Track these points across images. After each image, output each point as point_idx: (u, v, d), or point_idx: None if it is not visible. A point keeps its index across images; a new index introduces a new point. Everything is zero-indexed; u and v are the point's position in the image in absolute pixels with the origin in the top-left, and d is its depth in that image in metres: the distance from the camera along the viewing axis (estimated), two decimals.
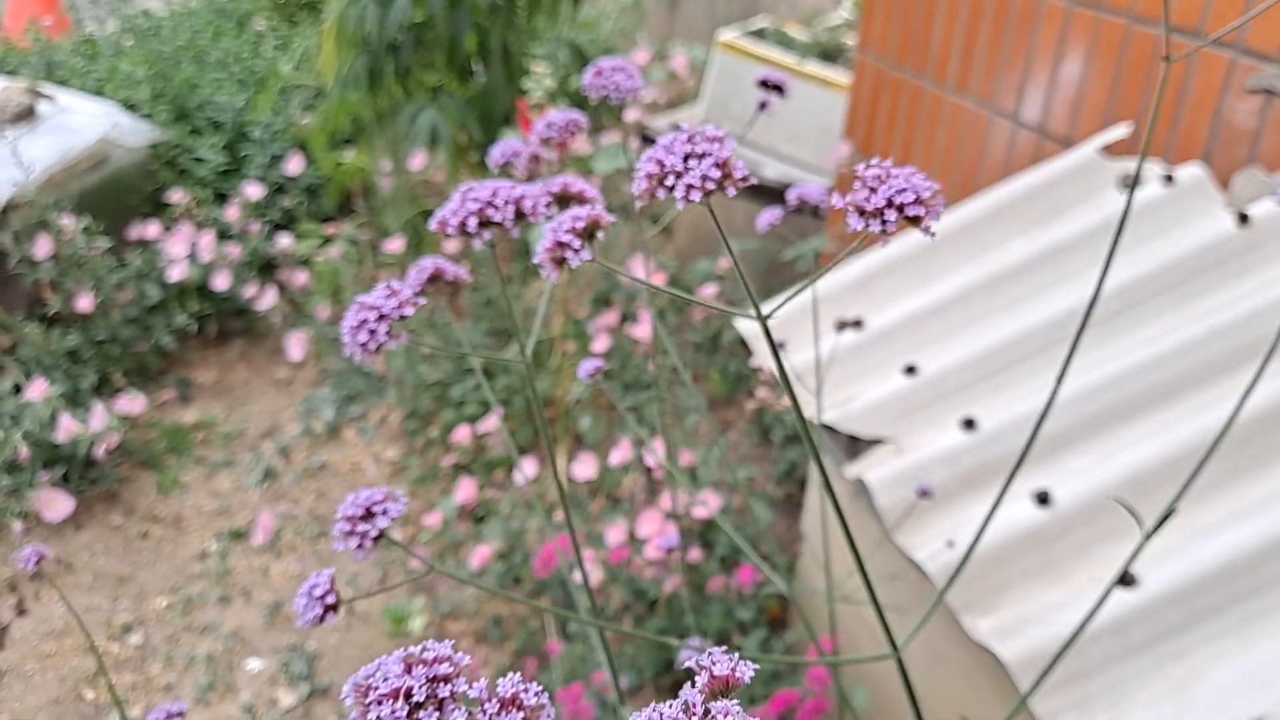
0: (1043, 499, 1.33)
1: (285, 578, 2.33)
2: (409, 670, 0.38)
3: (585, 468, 2.02)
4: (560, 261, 0.55)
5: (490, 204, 0.57)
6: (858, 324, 1.73)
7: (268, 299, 2.92)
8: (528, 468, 2.15)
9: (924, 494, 1.30)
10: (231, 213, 3.16)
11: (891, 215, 0.50)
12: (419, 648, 0.39)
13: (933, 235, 0.51)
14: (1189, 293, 1.50)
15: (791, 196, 1.11)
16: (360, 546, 0.55)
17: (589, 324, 2.55)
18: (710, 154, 0.51)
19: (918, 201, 0.51)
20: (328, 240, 3.11)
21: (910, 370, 1.60)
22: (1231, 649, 1.14)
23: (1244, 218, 1.50)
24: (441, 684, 0.37)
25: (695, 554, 1.87)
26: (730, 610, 1.90)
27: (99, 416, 2.38)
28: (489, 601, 2.20)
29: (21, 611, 2.23)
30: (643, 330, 2.25)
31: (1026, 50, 1.96)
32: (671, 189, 0.49)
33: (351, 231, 3.07)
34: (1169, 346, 1.40)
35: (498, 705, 0.37)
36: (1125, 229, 1.59)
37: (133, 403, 2.53)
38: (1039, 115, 1.96)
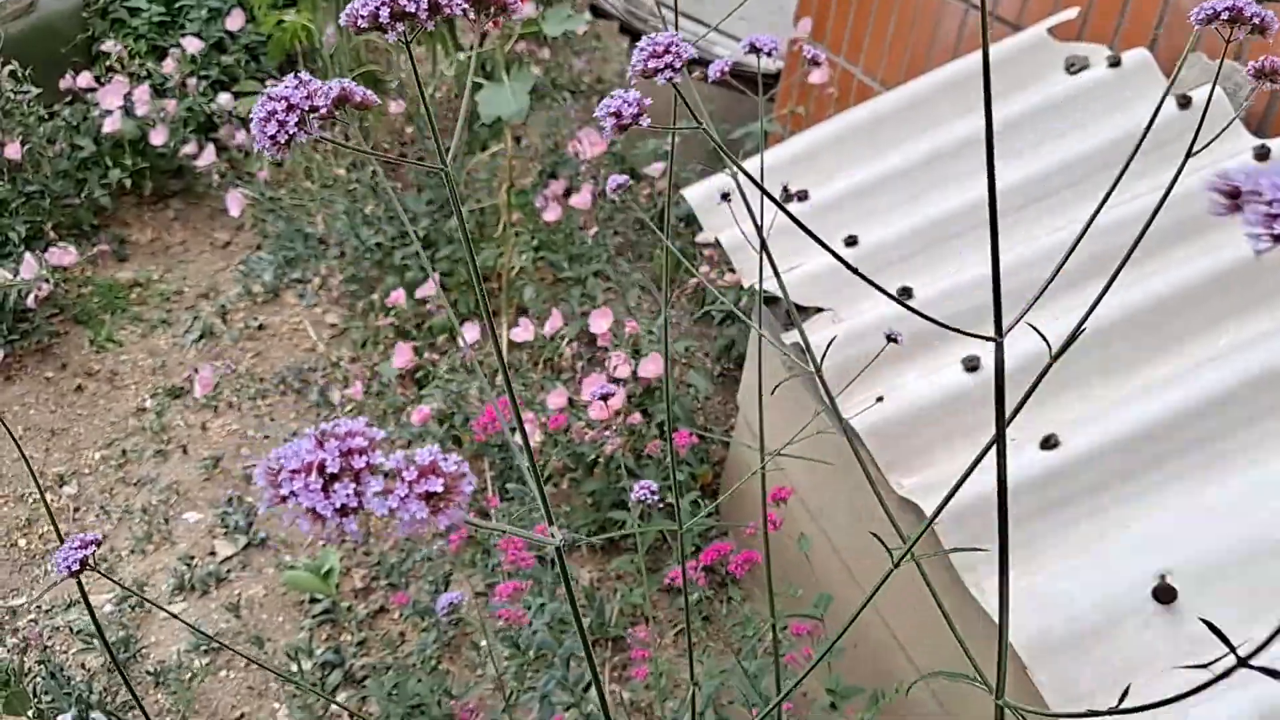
0: (971, 366, 1.37)
1: (224, 434, 2.33)
2: (321, 445, 0.35)
3: (524, 331, 2.03)
4: (625, 128, 0.57)
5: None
6: (802, 196, 1.74)
7: (206, 157, 2.84)
8: (469, 333, 2.16)
9: (892, 339, 1.30)
10: (168, 66, 3.04)
11: None
12: (330, 424, 0.37)
13: None
14: (1128, 173, 1.53)
15: (743, 46, 1.10)
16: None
17: (534, 194, 2.52)
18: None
19: None
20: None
21: (851, 241, 1.62)
22: (1142, 510, 1.20)
23: (1185, 102, 1.52)
24: (356, 456, 0.35)
25: (635, 418, 1.91)
26: (667, 474, 1.95)
27: (28, 266, 2.33)
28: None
29: None
30: (582, 200, 2.24)
31: None
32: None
33: None
34: (1105, 223, 1.43)
35: (416, 473, 0.35)
36: (1071, 111, 1.61)
37: (64, 254, 2.47)
38: None
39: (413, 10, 0.57)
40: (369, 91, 0.72)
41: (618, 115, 0.55)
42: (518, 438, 1.99)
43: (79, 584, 0.76)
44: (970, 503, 1.24)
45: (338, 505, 0.33)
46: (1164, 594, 1.09)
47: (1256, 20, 0.59)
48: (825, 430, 1.42)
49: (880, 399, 1.32)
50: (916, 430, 1.33)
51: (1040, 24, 1.78)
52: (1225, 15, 0.59)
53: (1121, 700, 0.66)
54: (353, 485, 0.34)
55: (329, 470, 0.34)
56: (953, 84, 1.75)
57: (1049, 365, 0.62)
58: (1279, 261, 1.32)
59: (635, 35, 3.04)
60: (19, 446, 0.83)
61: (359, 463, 0.35)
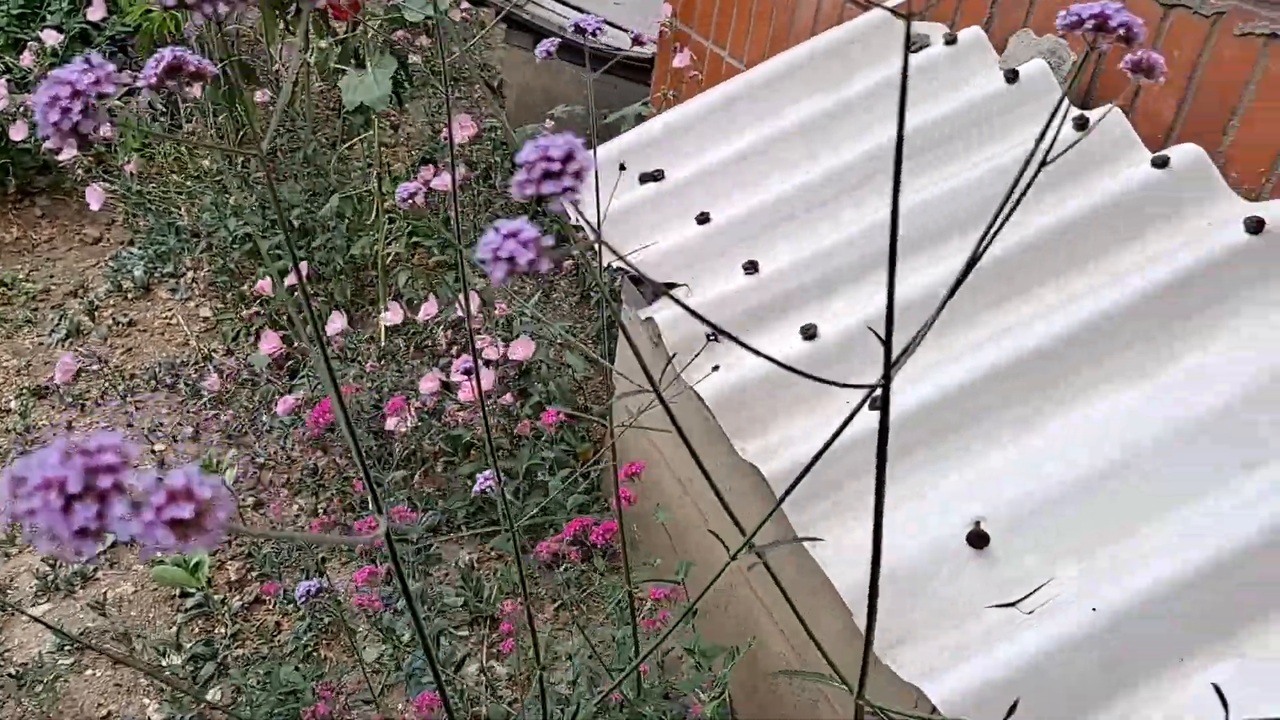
0: (809, 335, 1.43)
1: (90, 432, 2.28)
2: (66, 461, 0.33)
3: (394, 315, 2.03)
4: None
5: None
6: (658, 176, 1.78)
7: (68, 151, 2.75)
8: (338, 322, 2.15)
9: (711, 338, 1.37)
10: (27, 60, 2.94)
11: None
12: (85, 437, 0.34)
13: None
14: (959, 148, 1.61)
15: (570, 25, 1.13)
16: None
17: (409, 179, 2.51)
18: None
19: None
20: (133, 92, 2.93)
21: (703, 219, 1.67)
22: (961, 463, 1.27)
23: (1013, 76, 1.60)
24: (104, 474, 0.33)
25: (508, 398, 1.93)
26: (540, 453, 1.98)
27: None
28: (306, 451, 2.21)
29: None
30: (441, 183, 2.24)
31: None
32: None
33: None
34: (935, 195, 1.50)
35: (165, 496, 0.33)
36: (906, 87, 1.68)
37: None
38: None
39: None
40: (204, 60, 0.72)
41: (511, 261, 0.41)
42: (389, 423, 1.99)
43: None
44: (804, 462, 1.30)
45: (76, 527, 0.31)
46: (977, 539, 1.16)
47: (1122, 31, 0.57)
48: (674, 399, 1.46)
49: (716, 368, 1.37)
50: (757, 398, 1.38)
51: (886, 3, 1.85)
52: (1090, 24, 0.56)
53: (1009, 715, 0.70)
54: (96, 507, 0.32)
55: (70, 490, 0.32)
56: (801, 65, 1.81)
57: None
58: (1091, 230, 1.41)
59: (515, 22, 3.05)
60: None
61: (105, 482, 0.32)
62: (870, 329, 0.97)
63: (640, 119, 2.61)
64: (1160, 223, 1.38)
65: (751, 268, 1.54)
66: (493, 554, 2.06)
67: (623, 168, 1.72)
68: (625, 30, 2.93)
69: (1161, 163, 1.40)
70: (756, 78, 1.85)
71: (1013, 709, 0.75)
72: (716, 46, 2.45)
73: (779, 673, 0.81)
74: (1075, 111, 1.56)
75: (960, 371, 1.28)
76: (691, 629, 1.55)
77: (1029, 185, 0.58)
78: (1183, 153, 1.40)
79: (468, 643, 1.85)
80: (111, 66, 0.68)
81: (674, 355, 1.50)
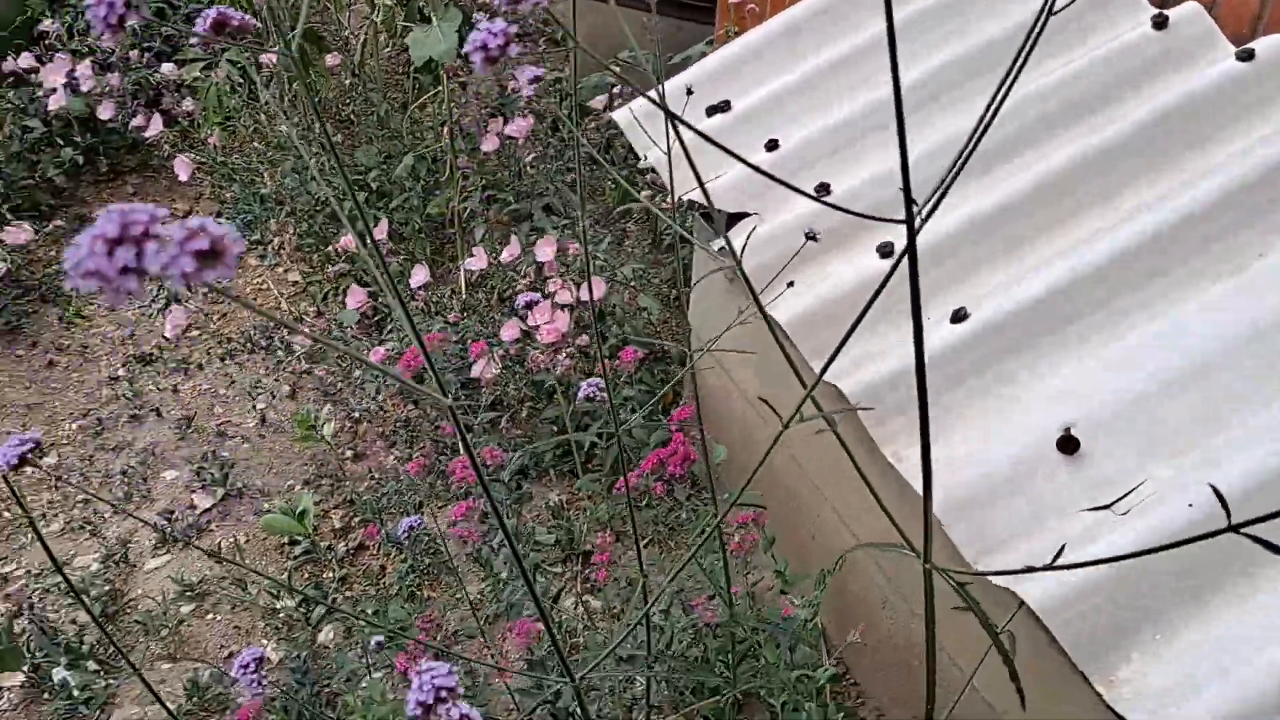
0: (885, 252, 1.43)
1: (195, 394, 2.38)
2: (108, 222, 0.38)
3: (479, 260, 2.07)
4: (494, 60, 0.57)
5: None
6: (725, 107, 1.78)
7: (154, 128, 2.86)
8: (419, 273, 2.20)
9: (811, 237, 1.34)
10: (109, 41, 3.05)
11: None
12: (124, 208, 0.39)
13: None
14: (1035, 59, 1.57)
15: None
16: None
17: (480, 138, 2.55)
18: None
19: None
20: (211, 66, 3.02)
21: (772, 146, 1.67)
22: (1047, 370, 1.26)
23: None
24: (138, 227, 0.38)
25: (584, 339, 1.96)
26: (619, 392, 2.01)
27: None
28: (397, 406, 2.28)
29: None
30: (517, 129, 2.27)
31: None
32: None
33: (235, 54, 2.98)
34: (1008, 108, 1.47)
35: (185, 233, 0.38)
36: (975, 2, 1.64)
37: (19, 233, 2.50)
38: None
39: None
40: (246, 15, 0.76)
41: (484, 48, 0.54)
42: (475, 369, 2.04)
43: (47, 550, 0.81)
44: (888, 378, 1.30)
45: (119, 266, 0.37)
46: (1068, 444, 1.15)
47: None
48: (743, 320, 1.47)
49: (790, 284, 1.37)
50: (835, 317, 1.39)
51: None
52: None
53: (1056, 559, 0.72)
54: (133, 250, 0.37)
55: (110, 237, 0.38)
56: None
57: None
58: (1175, 129, 1.37)
59: None
60: None
61: (138, 230, 0.38)
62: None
63: (703, 58, 2.60)
64: (1248, 116, 1.34)
65: (824, 189, 1.54)
66: (580, 494, 2.11)
67: (689, 92, 1.72)
68: None
69: (1246, 55, 1.35)
70: (818, 3, 1.82)
71: None
72: None
73: (857, 547, 0.83)
74: (1152, 11, 1.51)
75: (1047, 278, 1.27)
76: (772, 557, 1.57)
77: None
78: (1268, 45, 1.35)
79: (561, 578, 1.90)
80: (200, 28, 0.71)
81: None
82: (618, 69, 2.17)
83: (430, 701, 0.50)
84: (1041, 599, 1.03)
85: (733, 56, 1.84)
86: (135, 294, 0.38)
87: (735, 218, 1.63)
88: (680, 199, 1.78)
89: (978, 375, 1.27)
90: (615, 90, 2.84)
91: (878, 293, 0.72)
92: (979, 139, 0.71)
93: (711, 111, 1.79)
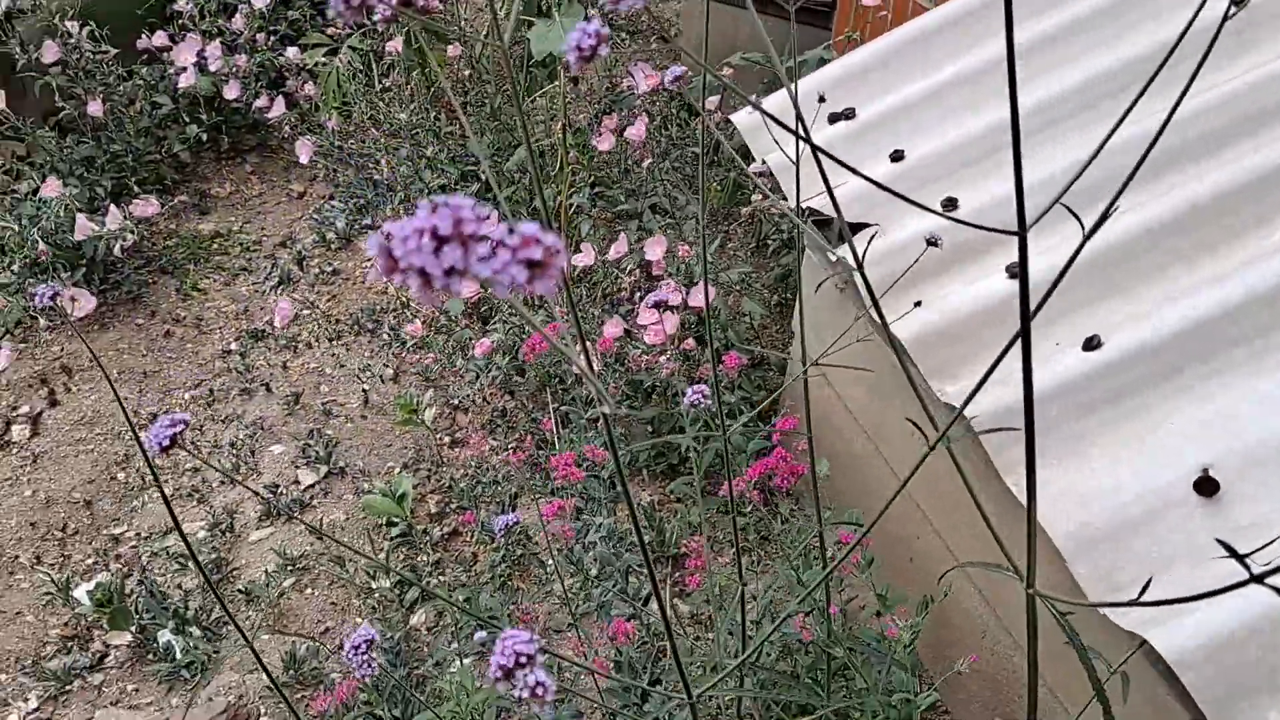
0: (1015, 273, 1.38)
1: (303, 371, 2.44)
2: (434, 213, 0.36)
3: (585, 256, 2.08)
4: (589, 58, 0.57)
5: None
6: (849, 115, 1.74)
7: (276, 109, 2.93)
8: None
9: (932, 243, 1.30)
10: (238, 22, 3.14)
11: None
12: (441, 199, 0.38)
13: None
14: (1181, 73, 1.50)
15: None
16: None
17: (590, 133, 2.56)
18: None
19: None
20: (334, 51, 3.09)
21: (898, 156, 1.63)
22: (1186, 405, 1.20)
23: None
24: (465, 225, 0.36)
25: (690, 343, 1.95)
26: (721, 397, 1.99)
27: (113, 217, 2.45)
28: (496, 396, 2.30)
29: (53, 403, 2.36)
30: (636, 132, 2.27)
31: None
32: None
33: (356, 41, 3.04)
34: (1155, 125, 1.41)
35: (519, 240, 0.36)
36: (1127, 10, 1.58)
37: (146, 206, 2.59)
38: None
39: None
40: None
41: (578, 48, 0.53)
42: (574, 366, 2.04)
43: (172, 514, 0.83)
44: (1012, 405, 1.26)
45: (446, 266, 0.35)
46: (1206, 486, 1.10)
47: None
48: (866, 337, 1.44)
49: (918, 304, 1.34)
50: (959, 337, 1.35)
51: None
52: None
53: (1142, 593, 0.69)
54: (460, 249, 0.35)
55: (441, 234, 0.35)
56: None
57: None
58: None
59: None
60: (114, 388, 0.90)
61: (470, 229, 0.36)
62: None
63: (822, 63, 2.56)
64: None
65: (950, 204, 1.50)
66: (672, 497, 2.10)
67: (835, 113, 1.70)
68: None
69: None
70: (952, 11, 1.78)
71: None
72: None
73: (963, 565, 0.80)
74: None
75: (1192, 307, 1.21)
76: (870, 581, 1.54)
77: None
78: None
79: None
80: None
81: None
82: (729, 71, 2.14)
83: (510, 665, 0.51)
84: (1172, 646, 0.99)
85: (858, 64, 1.81)
86: (454, 295, 0.37)
87: (854, 228, 1.60)
88: (801, 205, 1.76)
89: (1111, 405, 1.22)
90: (725, 92, 2.82)
91: (1037, 310, 0.69)
92: (1146, 152, 0.67)
93: (834, 119, 1.76)
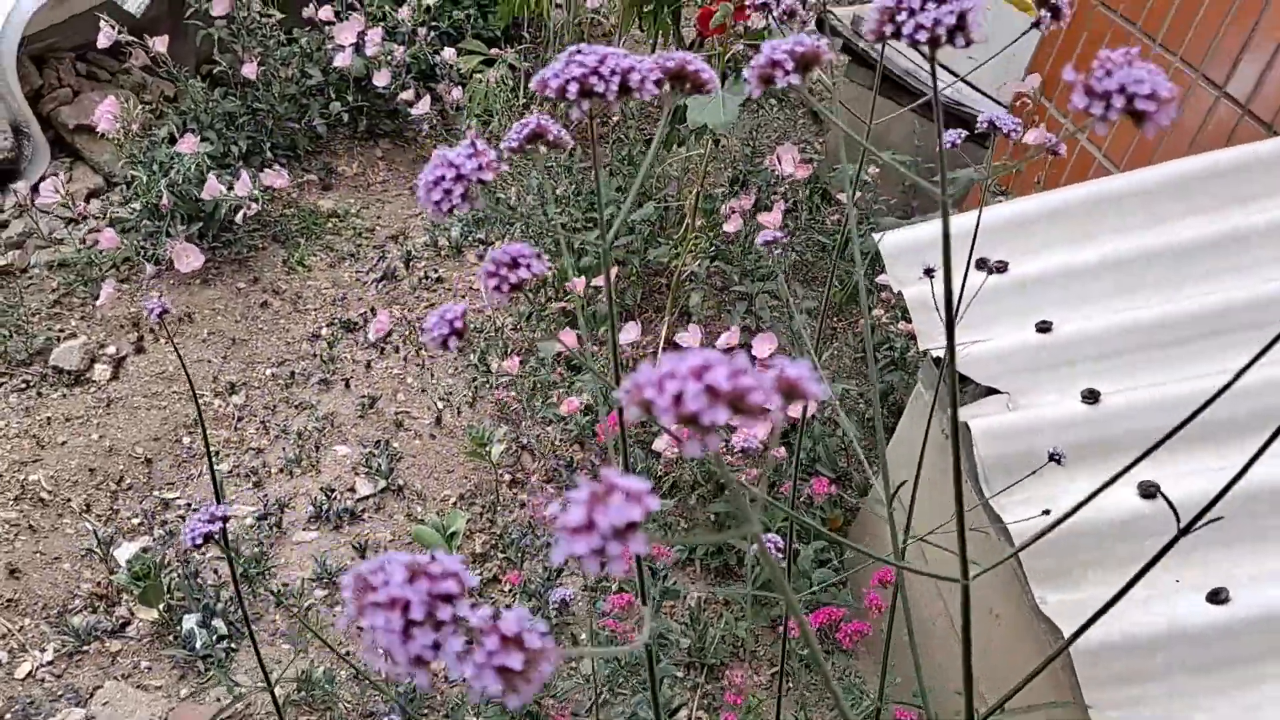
0: (1148, 493, 1.28)
1: (385, 375, 2.42)
2: (412, 580, 0.34)
3: (691, 338, 2.02)
4: (769, 80, 0.53)
5: (595, 72, 0.51)
6: (1001, 268, 1.66)
7: (422, 106, 2.94)
8: (630, 331, 2.16)
9: (1057, 458, 1.25)
10: (404, 13, 3.16)
11: (1119, 101, 0.45)
12: (427, 556, 0.36)
13: (1154, 126, 0.46)
14: None
15: (983, 120, 1.04)
16: (499, 289, 0.54)
17: (722, 201, 2.50)
18: (803, 49, 0.49)
19: (1151, 97, 0.46)
20: (489, 62, 3.09)
21: (1044, 327, 1.54)
22: None
23: None
24: (443, 603, 0.34)
25: (778, 452, 1.88)
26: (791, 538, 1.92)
27: (244, 184, 2.46)
28: (567, 445, 2.25)
29: (140, 349, 2.38)
30: (771, 219, 2.21)
31: (1253, 19, 1.80)
32: (900, 27, 0.46)
33: (513, 58, 3.04)
34: None
35: (498, 641, 0.33)
36: None
37: (276, 177, 2.61)
38: (1248, 91, 1.81)
39: (601, 90, 0.54)
40: (563, 131, 0.69)
41: (772, 63, 0.49)
42: (657, 444, 1.98)
43: (218, 494, 0.80)
44: (1120, 637, 1.17)
45: (413, 654, 0.32)
46: None
47: None
48: (977, 528, 1.35)
49: (1047, 512, 1.25)
50: (1074, 548, 1.25)
51: None
52: None
53: None
54: (433, 636, 0.33)
55: (412, 614, 0.33)
56: (1189, 180, 1.63)
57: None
58: None
59: (856, 56, 2.97)
60: (184, 365, 0.86)
61: (444, 613, 0.34)
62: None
63: (972, 183, 2.48)
64: None
65: (1091, 397, 1.40)
66: (721, 598, 2.02)
67: (986, 264, 1.62)
68: (978, 89, 2.78)
69: None
70: (1131, 184, 1.68)
71: None
72: (1075, 127, 2.28)
73: None
74: None
75: None
76: None
77: None
78: None
79: (684, 686, 1.82)
80: (492, 154, 0.65)
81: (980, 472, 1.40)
82: (875, 170, 2.06)
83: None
84: None
85: (1022, 213, 1.72)
86: (420, 684, 0.33)
87: (985, 389, 1.51)
88: (929, 352, 1.68)
89: (1230, 669, 1.11)
90: (866, 183, 2.75)
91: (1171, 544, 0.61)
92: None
93: (983, 266, 1.68)
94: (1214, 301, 1.45)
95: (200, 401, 2.27)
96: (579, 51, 0.53)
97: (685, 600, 1.96)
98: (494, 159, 0.59)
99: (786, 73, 0.49)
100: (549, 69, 0.53)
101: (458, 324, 0.54)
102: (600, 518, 0.32)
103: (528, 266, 0.53)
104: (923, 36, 0.44)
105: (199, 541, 0.69)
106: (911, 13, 0.44)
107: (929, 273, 1.12)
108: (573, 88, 0.52)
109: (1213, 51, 1.89)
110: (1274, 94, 1.77)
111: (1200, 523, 0.59)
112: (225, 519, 0.68)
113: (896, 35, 0.45)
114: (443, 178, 0.55)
